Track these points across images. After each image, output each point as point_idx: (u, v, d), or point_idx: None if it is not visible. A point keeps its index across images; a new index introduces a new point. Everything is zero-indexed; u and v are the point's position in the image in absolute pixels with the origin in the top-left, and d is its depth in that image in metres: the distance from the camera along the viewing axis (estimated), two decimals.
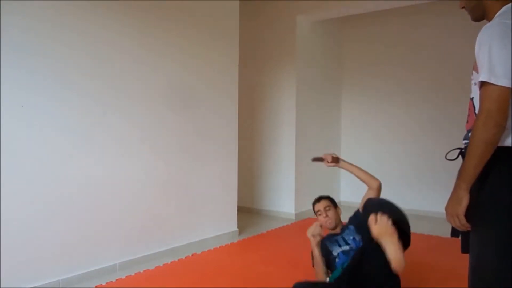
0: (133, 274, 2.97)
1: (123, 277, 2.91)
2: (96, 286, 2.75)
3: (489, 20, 1.50)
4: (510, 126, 1.34)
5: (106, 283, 2.80)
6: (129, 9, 3.10)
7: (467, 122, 1.54)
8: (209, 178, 3.85)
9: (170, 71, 3.44)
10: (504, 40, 1.32)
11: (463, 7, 1.62)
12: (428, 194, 5.15)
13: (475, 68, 1.46)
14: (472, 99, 1.49)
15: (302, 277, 2.92)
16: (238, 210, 4.28)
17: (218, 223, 3.97)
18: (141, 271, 3.03)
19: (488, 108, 1.30)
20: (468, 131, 1.48)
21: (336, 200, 6.33)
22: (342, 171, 6.02)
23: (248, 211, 5.40)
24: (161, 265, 3.18)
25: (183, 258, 3.36)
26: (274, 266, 3.14)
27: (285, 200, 5.17)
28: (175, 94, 3.48)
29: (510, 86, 1.28)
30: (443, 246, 3.70)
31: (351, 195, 5.89)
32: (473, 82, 1.48)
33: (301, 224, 4.72)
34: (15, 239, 2.48)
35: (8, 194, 2.45)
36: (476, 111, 1.39)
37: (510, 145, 1.33)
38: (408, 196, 5.45)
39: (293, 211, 5.09)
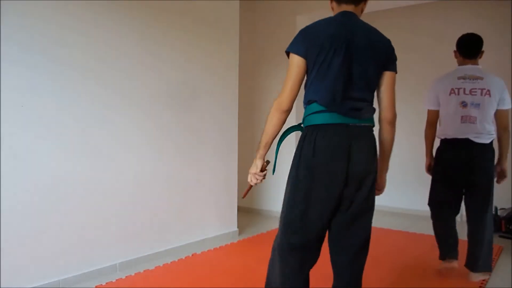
0: (133, 274, 2.97)
1: (123, 277, 2.90)
2: (96, 286, 2.75)
3: None
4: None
5: (106, 283, 2.80)
6: (130, 9, 3.10)
7: None
8: (209, 178, 3.85)
9: (170, 71, 3.44)
10: (431, 87, 2.92)
11: None
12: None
13: None
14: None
15: None
16: (238, 210, 4.28)
17: (218, 223, 3.97)
18: (141, 271, 3.03)
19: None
20: None
21: None
22: None
23: (248, 211, 5.40)
24: (161, 265, 3.18)
25: (183, 258, 3.36)
26: None
27: None
28: (175, 94, 3.48)
29: (432, 109, 2.92)
30: None
31: None
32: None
33: None
34: (15, 239, 2.48)
35: (8, 194, 2.45)
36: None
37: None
38: (409, 196, 5.45)
39: None
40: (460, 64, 2.83)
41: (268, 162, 1.89)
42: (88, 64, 2.85)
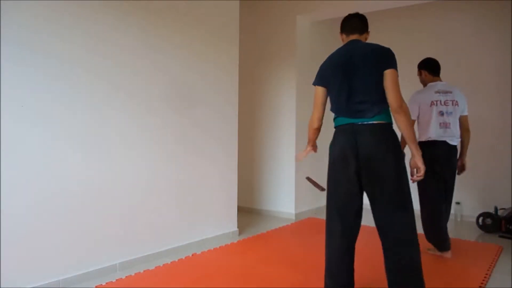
0: (133, 274, 2.97)
1: (123, 277, 2.91)
2: (96, 286, 2.75)
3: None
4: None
5: (106, 283, 2.80)
6: (131, 8, 3.10)
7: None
8: (209, 178, 3.85)
9: (170, 71, 3.44)
10: (413, 100, 3.43)
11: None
12: None
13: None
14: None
15: (302, 277, 2.93)
16: (238, 210, 4.29)
17: (218, 223, 3.97)
18: (141, 271, 3.03)
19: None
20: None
21: None
22: None
23: (248, 211, 5.40)
24: (161, 265, 3.18)
25: (183, 258, 3.36)
26: (274, 266, 3.14)
27: (285, 200, 5.17)
28: (175, 94, 3.48)
29: (413, 119, 3.42)
30: None
31: None
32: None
33: (301, 224, 4.72)
34: (15, 239, 2.48)
35: (8, 194, 2.45)
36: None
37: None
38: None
39: (293, 211, 5.09)
40: (430, 81, 3.47)
41: (309, 179, 2.59)
42: (90, 62, 2.85)
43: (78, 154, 2.81)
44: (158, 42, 3.33)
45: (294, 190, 5.09)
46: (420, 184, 3.36)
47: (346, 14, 2.54)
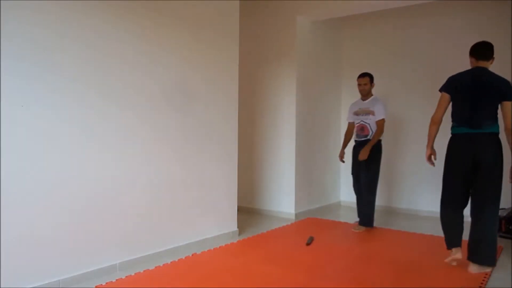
0: (133, 274, 2.97)
1: (123, 277, 2.91)
2: (96, 286, 2.75)
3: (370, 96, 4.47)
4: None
5: (106, 283, 2.80)
6: (132, 8, 3.10)
7: (363, 130, 4.40)
8: (209, 178, 3.85)
9: (170, 70, 3.44)
10: (384, 106, 4.39)
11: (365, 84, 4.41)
12: (429, 194, 5.15)
13: (370, 112, 4.35)
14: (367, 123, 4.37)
15: (302, 277, 2.93)
16: (238, 210, 4.28)
17: (218, 223, 3.97)
18: (141, 271, 3.03)
19: (381, 125, 4.31)
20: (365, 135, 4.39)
21: (336, 200, 6.29)
22: (342, 171, 6.03)
23: (248, 211, 5.40)
24: (161, 265, 3.18)
25: (183, 258, 3.36)
26: (274, 266, 3.14)
27: (285, 200, 5.17)
28: (175, 93, 3.48)
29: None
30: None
31: (351, 195, 5.89)
32: (365, 118, 4.39)
33: (301, 224, 4.72)
34: (15, 239, 2.48)
35: (8, 194, 2.45)
36: (373, 129, 4.34)
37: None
38: (410, 196, 5.45)
39: (293, 211, 5.09)
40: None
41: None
42: (90, 61, 2.85)
43: (77, 155, 2.81)
44: (158, 41, 3.33)
45: (294, 190, 5.09)
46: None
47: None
